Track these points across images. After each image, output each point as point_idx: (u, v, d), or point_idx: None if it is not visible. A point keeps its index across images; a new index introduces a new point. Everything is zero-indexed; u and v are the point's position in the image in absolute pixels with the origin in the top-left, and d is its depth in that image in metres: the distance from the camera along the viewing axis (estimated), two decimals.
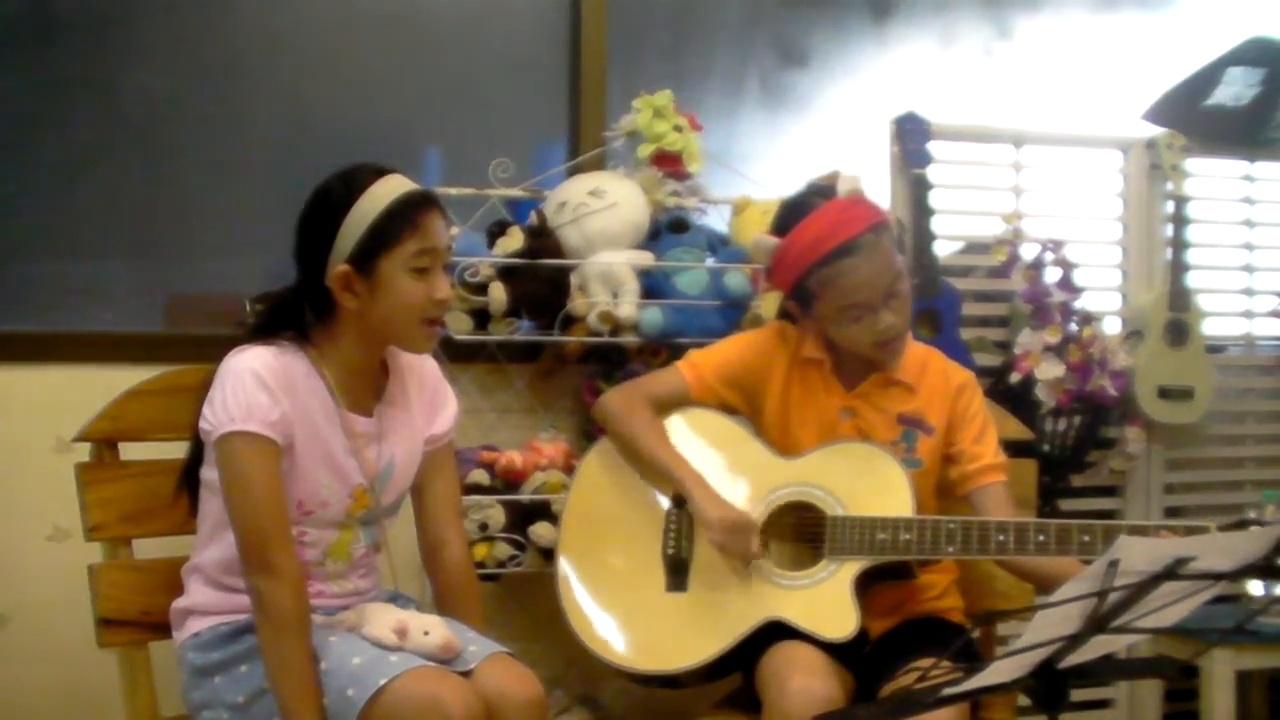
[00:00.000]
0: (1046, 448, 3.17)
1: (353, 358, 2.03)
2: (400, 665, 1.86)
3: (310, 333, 2.02)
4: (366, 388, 2.08)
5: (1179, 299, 3.33)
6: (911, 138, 3.13)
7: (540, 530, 2.58)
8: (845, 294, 2.15)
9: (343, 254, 1.95)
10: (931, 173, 3.13)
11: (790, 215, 2.22)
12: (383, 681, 1.83)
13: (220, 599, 2.03)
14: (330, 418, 2.01)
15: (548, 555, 2.55)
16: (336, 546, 2.07)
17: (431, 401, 2.18)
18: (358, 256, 1.94)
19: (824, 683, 2.00)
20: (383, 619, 1.96)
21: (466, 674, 1.93)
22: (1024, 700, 1.78)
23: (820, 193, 2.23)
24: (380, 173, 1.99)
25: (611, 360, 2.80)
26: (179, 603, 2.07)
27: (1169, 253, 3.36)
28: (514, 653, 2.02)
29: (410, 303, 1.96)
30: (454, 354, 2.66)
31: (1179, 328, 3.33)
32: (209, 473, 2.00)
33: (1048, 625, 1.51)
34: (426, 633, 1.94)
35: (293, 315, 2.02)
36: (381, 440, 2.08)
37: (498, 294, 2.63)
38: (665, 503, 2.27)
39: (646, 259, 2.75)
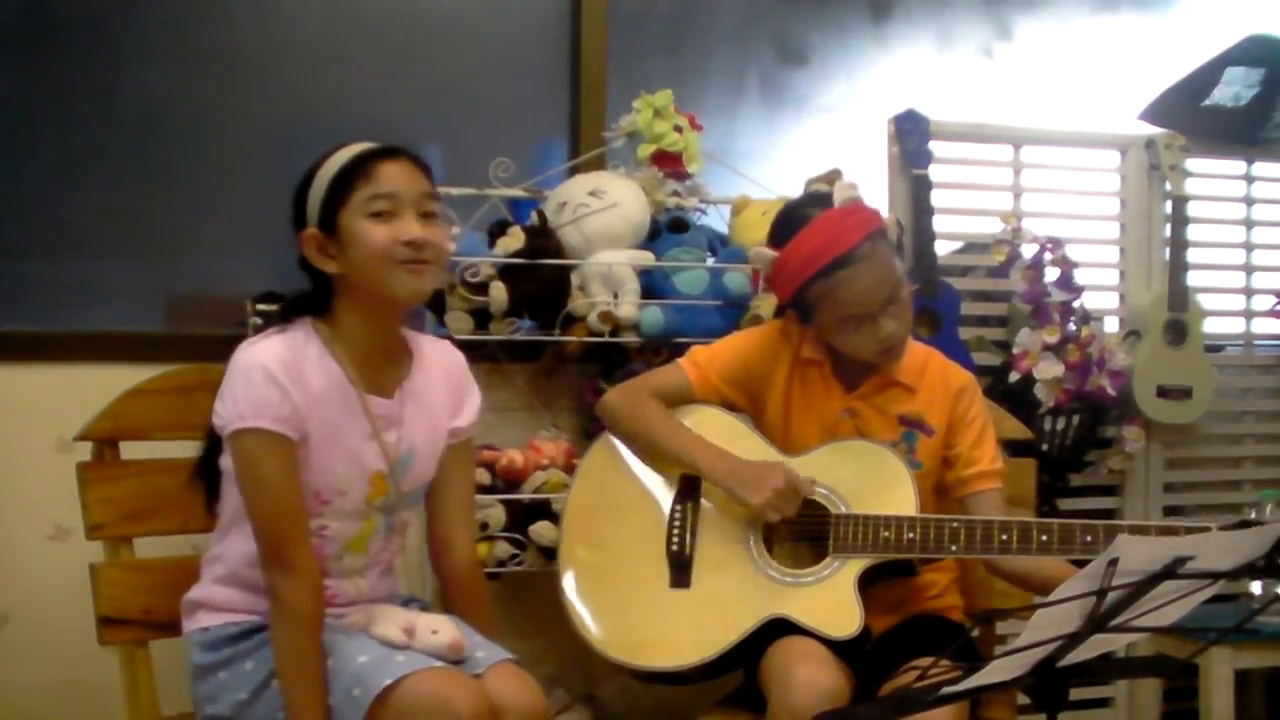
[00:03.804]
0: (1045, 447, 3.17)
1: (361, 331, 2.01)
2: (407, 665, 1.85)
3: (323, 314, 2.01)
4: (385, 367, 2.05)
5: (1178, 298, 3.33)
6: (911, 137, 3.13)
7: (541, 529, 2.59)
8: (844, 305, 2.15)
9: (311, 220, 1.97)
10: (931, 172, 3.13)
11: (786, 227, 2.21)
12: (388, 682, 1.82)
13: (236, 598, 2.01)
14: (347, 400, 1.99)
15: (548, 554, 2.56)
16: (355, 540, 2.05)
17: (457, 391, 2.16)
18: (321, 218, 1.96)
19: (829, 674, 2.00)
20: (391, 619, 1.95)
21: (474, 678, 1.91)
22: (1023, 699, 1.79)
23: (816, 202, 2.22)
24: (352, 143, 2.01)
25: (612, 360, 2.80)
26: (192, 593, 2.05)
27: (1168, 252, 3.36)
28: (520, 660, 2.02)
29: (373, 245, 1.94)
30: None
31: (1178, 327, 3.34)
32: (227, 462, 1.98)
33: (1047, 624, 1.52)
34: (435, 631, 1.93)
35: (307, 302, 2.01)
36: (402, 424, 2.05)
37: (498, 293, 2.63)
38: (668, 499, 2.28)
39: (646, 259, 2.75)
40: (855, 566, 2.12)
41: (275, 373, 1.91)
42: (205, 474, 2.05)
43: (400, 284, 1.97)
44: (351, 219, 1.95)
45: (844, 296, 2.14)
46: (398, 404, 2.05)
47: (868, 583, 2.13)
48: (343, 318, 2.00)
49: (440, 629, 1.94)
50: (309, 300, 2.02)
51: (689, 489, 2.27)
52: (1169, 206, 3.36)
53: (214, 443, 2.01)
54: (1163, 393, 3.32)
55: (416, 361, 2.10)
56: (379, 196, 1.95)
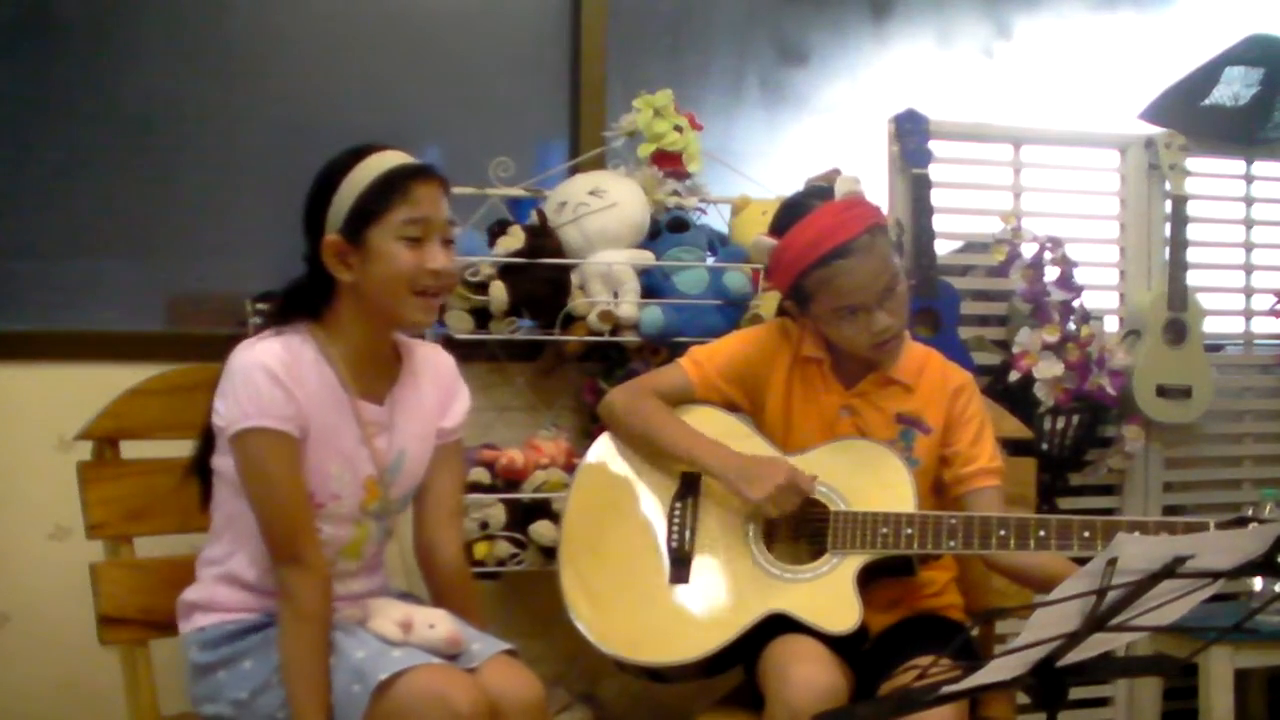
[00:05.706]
0: (1045, 446, 3.17)
1: (358, 339, 2.01)
2: (405, 660, 1.86)
3: (320, 317, 2.00)
4: (377, 374, 2.05)
5: (1177, 298, 3.33)
6: (911, 136, 3.13)
7: (541, 529, 2.59)
8: (841, 295, 2.16)
9: (335, 224, 1.95)
10: (931, 171, 3.13)
11: (788, 216, 2.23)
12: (384, 676, 1.83)
13: (233, 597, 2.01)
14: (340, 405, 1.99)
15: (548, 554, 2.56)
16: (350, 546, 2.05)
17: (446, 393, 2.16)
18: (348, 226, 1.94)
19: (827, 672, 2.01)
20: (388, 613, 1.96)
21: (470, 672, 1.92)
22: (1023, 698, 1.79)
23: (819, 194, 2.25)
24: (382, 149, 1.99)
25: (611, 359, 2.81)
26: (187, 594, 2.05)
27: (1167, 252, 3.36)
28: (517, 649, 2.02)
29: (400, 270, 1.94)
30: (454, 353, 2.64)
31: (1178, 327, 3.34)
32: (222, 462, 1.98)
33: (1046, 623, 1.52)
34: (432, 626, 1.94)
35: (305, 301, 2.00)
36: (392, 429, 2.06)
37: (498, 293, 2.64)
38: (668, 497, 2.28)
39: (646, 258, 2.75)
40: (854, 562, 2.13)
41: (277, 372, 1.91)
42: (200, 472, 2.04)
43: (413, 312, 1.99)
44: (382, 237, 1.94)
45: (841, 286, 2.15)
46: (388, 410, 2.05)
47: (866, 581, 2.13)
48: (342, 323, 2.00)
49: (437, 623, 1.95)
50: (306, 300, 2.00)
51: (689, 486, 2.27)
52: (1169, 206, 3.36)
53: (208, 441, 2.01)
54: (1162, 392, 3.32)
55: (407, 366, 2.10)
56: (415, 221, 1.94)
